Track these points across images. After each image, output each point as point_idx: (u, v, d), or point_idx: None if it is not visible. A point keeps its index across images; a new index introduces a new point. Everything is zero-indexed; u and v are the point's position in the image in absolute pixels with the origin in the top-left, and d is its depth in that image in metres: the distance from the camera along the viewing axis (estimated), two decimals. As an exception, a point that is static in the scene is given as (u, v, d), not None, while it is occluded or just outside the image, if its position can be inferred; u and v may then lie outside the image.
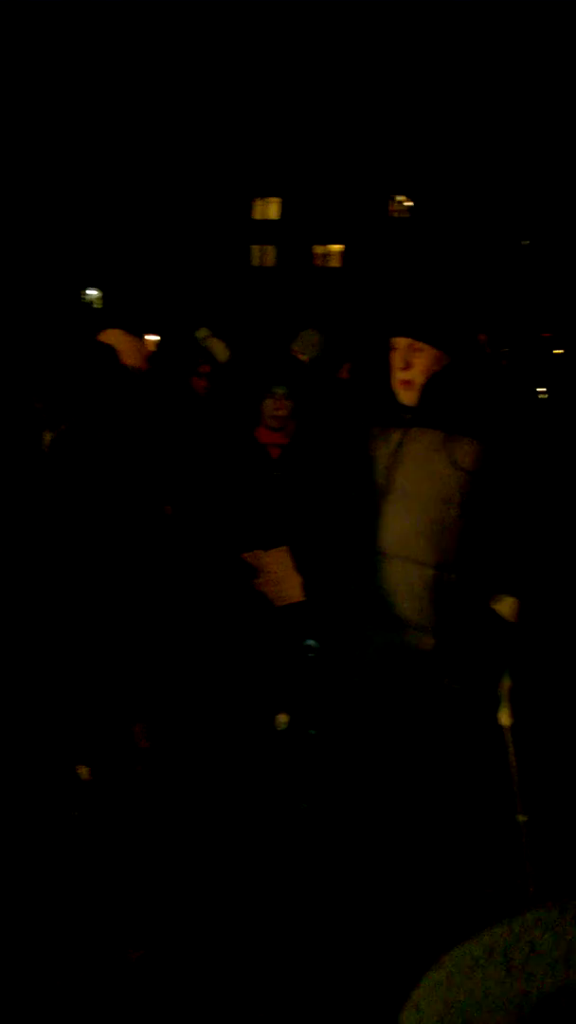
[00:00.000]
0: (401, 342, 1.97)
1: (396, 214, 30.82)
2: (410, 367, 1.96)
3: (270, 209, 32.64)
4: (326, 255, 31.76)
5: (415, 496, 1.95)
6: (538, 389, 7.68)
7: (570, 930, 0.46)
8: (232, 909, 2.53)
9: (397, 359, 1.98)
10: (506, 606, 1.97)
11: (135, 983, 2.28)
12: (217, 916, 2.50)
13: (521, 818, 2.17)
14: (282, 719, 3.02)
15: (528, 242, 28.82)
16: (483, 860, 2.06)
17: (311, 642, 2.38)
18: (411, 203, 30.60)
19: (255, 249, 32.47)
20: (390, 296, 2.09)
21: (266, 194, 32.26)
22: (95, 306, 29.56)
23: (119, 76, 28.16)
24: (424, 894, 2.00)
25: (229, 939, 2.41)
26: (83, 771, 2.72)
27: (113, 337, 2.48)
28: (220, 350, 4.11)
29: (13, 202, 26.05)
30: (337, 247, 31.39)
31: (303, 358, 3.64)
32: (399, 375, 1.98)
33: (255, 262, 32.48)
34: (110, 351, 2.40)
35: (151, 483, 2.82)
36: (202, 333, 4.19)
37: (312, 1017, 2.17)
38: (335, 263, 31.49)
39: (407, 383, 1.97)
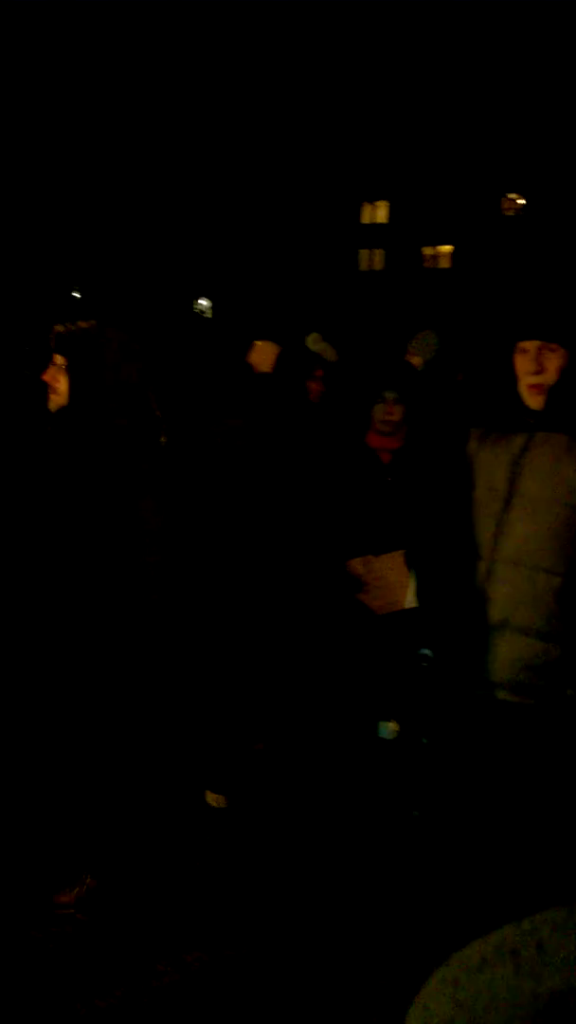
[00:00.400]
0: (532, 345, 1.92)
1: (509, 212, 30.10)
2: (543, 370, 1.90)
3: (378, 213, 32.54)
4: (435, 256, 31.36)
5: (541, 501, 1.89)
6: None
7: None
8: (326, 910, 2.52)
9: (527, 363, 1.92)
10: None
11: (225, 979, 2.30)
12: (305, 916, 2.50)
13: None
14: (392, 727, 2.99)
15: None
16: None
17: (426, 651, 2.34)
18: (523, 201, 29.81)
19: (363, 253, 32.43)
20: (516, 298, 2.04)
21: (374, 198, 32.18)
22: (206, 316, 30.27)
23: (227, 87, 28.71)
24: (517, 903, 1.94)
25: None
26: (212, 798, 2.79)
27: (262, 347, 2.54)
28: (332, 354, 4.12)
29: (125, 217, 26.98)
30: (447, 248, 30.94)
31: (417, 361, 3.60)
32: (530, 379, 1.92)
33: (363, 266, 32.44)
34: (245, 364, 2.46)
35: (275, 493, 2.86)
36: (313, 338, 4.21)
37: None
38: (445, 264, 31.05)
39: (538, 387, 1.92)
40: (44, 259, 24.42)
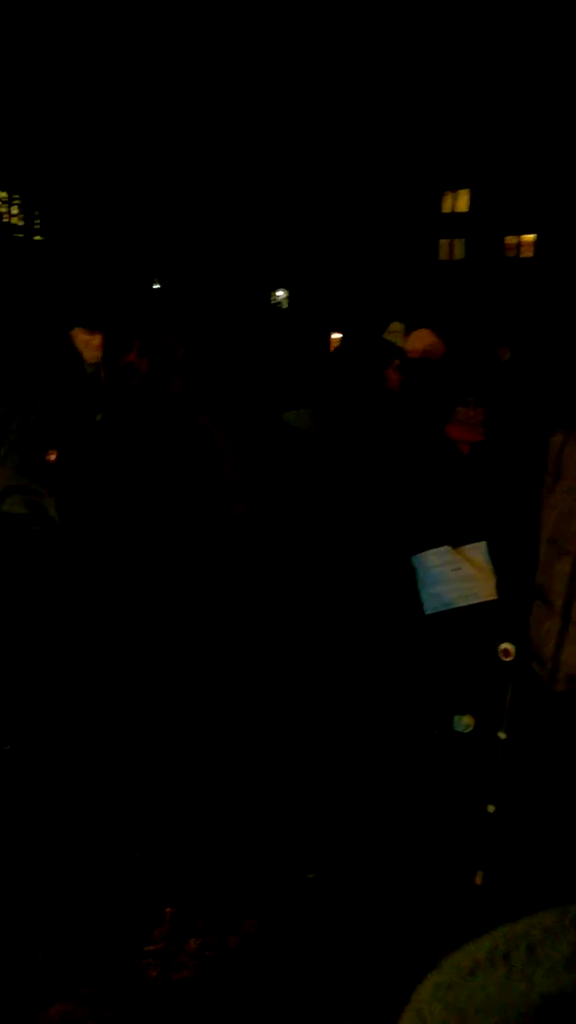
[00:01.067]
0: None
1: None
2: None
3: (460, 201, 31.99)
4: (519, 246, 30.65)
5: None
6: None
7: (571, 934, 0.45)
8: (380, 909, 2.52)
9: None
10: None
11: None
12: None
13: None
14: (467, 721, 2.96)
15: None
16: None
17: (507, 645, 2.31)
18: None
19: (443, 243, 31.95)
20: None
21: (455, 186, 31.64)
22: (282, 307, 30.38)
23: (307, 75, 28.62)
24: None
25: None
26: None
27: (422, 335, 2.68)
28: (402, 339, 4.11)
29: (203, 207, 27.24)
30: (530, 237, 30.20)
31: (504, 351, 3.56)
32: None
33: (443, 256, 31.96)
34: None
35: (351, 485, 2.89)
36: (393, 327, 4.19)
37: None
38: (528, 254, 30.32)
39: None
40: (124, 251, 24.89)
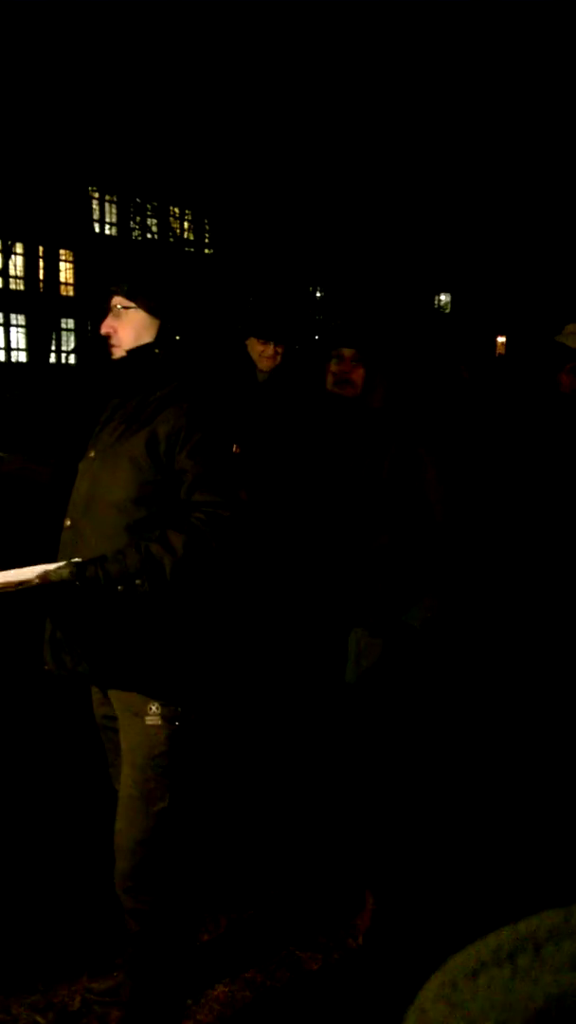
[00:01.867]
0: None
1: None
2: None
3: None
4: None
5: None
6: None
7: None
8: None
9: None
10: None
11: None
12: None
13: None
14: None
15: None
16: None
17: None
18: None
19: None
20: None
21: None
22: (445, 311, 29.99)
23: (467, 88, 28.07)
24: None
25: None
26: None
27: None
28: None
29: (366, 212, 27.36)
30: None
31: None
32: None
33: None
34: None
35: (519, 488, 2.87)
36: (570, 330, 4.03)
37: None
38: None
39: None
40: (288, 262, 25.47)
